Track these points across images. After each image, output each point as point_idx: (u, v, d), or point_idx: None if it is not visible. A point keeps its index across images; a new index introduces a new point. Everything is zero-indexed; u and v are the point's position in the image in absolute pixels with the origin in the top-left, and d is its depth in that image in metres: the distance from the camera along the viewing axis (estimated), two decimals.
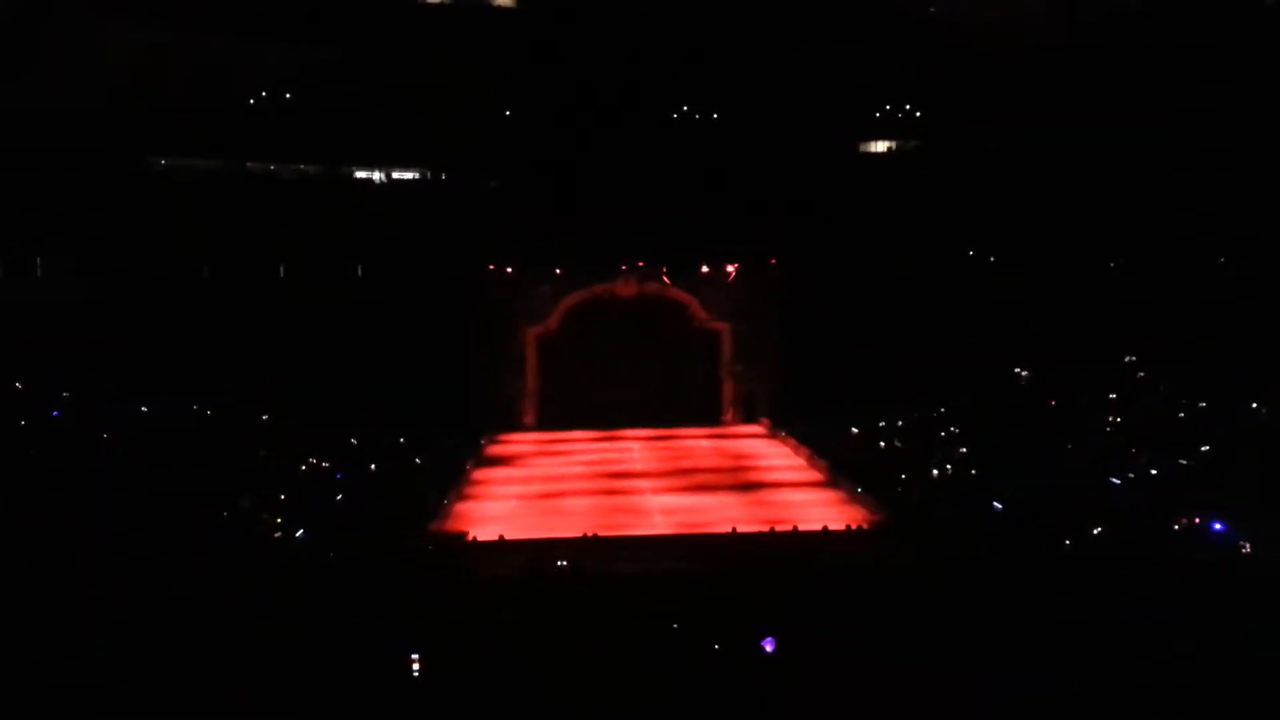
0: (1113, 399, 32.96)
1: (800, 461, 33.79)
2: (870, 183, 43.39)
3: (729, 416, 42.84)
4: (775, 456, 35.34)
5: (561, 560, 20.21)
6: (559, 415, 41.77)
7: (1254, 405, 28.56)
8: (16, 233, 38.12)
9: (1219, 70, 37.82)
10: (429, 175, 45.66)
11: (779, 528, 23.37)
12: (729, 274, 42.54)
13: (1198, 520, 20.63)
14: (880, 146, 46.79)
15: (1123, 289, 39.29)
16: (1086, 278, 40.40)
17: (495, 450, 37.26)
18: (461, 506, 27.67)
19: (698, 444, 38.08)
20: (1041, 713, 13.81)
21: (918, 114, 46.30)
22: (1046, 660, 14.77)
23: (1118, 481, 24.14)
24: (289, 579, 18.98)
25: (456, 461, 32.14)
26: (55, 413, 29.92)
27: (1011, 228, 41.44)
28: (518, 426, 41.59)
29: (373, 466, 29.81)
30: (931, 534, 21.98)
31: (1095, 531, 20.78)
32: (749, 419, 42.31)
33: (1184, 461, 25.15)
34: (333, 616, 17.49)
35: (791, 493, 28.91)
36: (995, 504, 23.32)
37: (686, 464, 33.82)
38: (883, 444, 32.62)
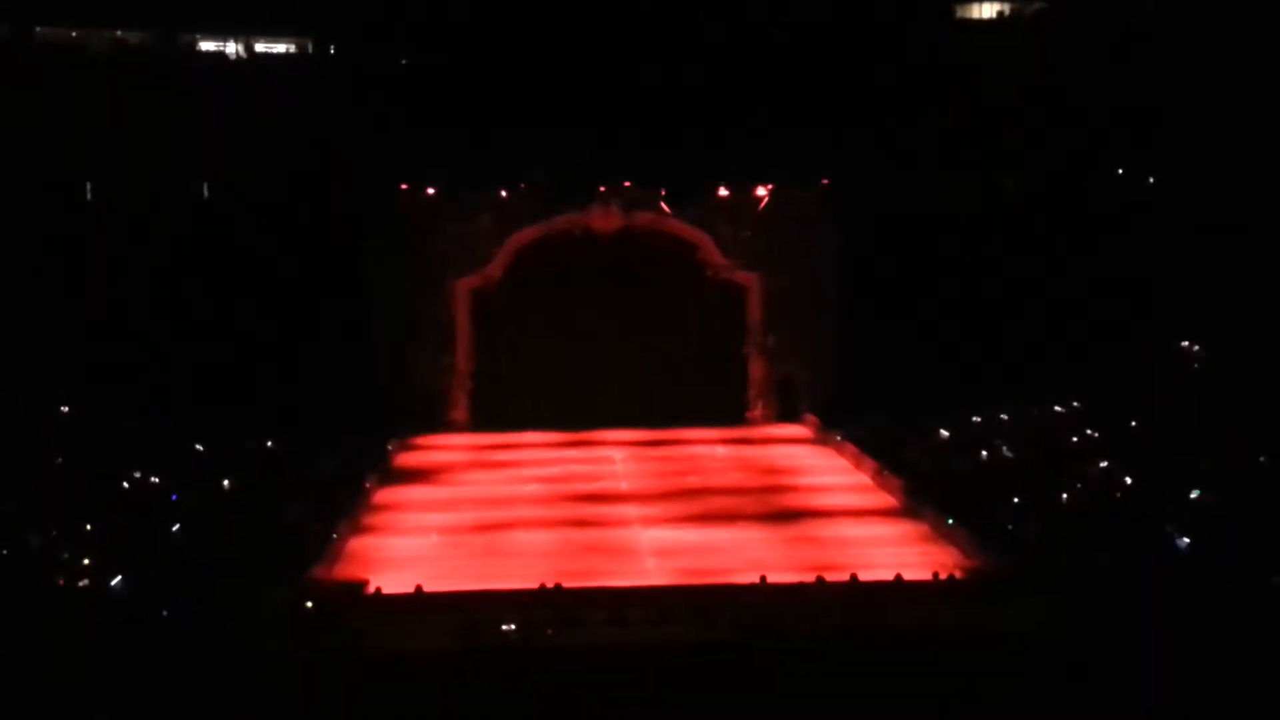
0: None
1: (863, 478, 33.82)
2: (969, 64, 43.22)
3: (758, 412, 42.79)
4: (826, 471, 35.28)
5: (508, 624, 20.17)
6: (504, 409, 41.58)
7: None
8: None
9: None
10: (310, 48, 45.29)
11: (830, 576, 23.37)
12: (760, 199, 42.45)
13: None
14: (987, 10, 46.64)
15: None
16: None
17: (409, 460, 37.09)
18: (358, 543, 27.55)
19: (710, 452, 38.00)
20: None
21: None
22: None
23: None
24: (101, 648, 18.93)
25: (351, 476, 32.06)
26: None
27: (1181, 126, 41.24)
28: (442, 425, 41.34)
29: (226, 484, 29.71)
30: (1059, 587, 22.03)
31: None
32: (787, 415, 42.23)
33: None
34: (166, 701, 17.49)
35: (850, 525, 28.87)
36: (1156, 540, 23.34)
37: (693, 482, 33.74)
38: (985, 452, 32.69)
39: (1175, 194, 41.59)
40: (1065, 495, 27.60)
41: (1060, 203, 41.32)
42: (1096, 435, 32.80)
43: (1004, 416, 35.25)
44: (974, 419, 35.36)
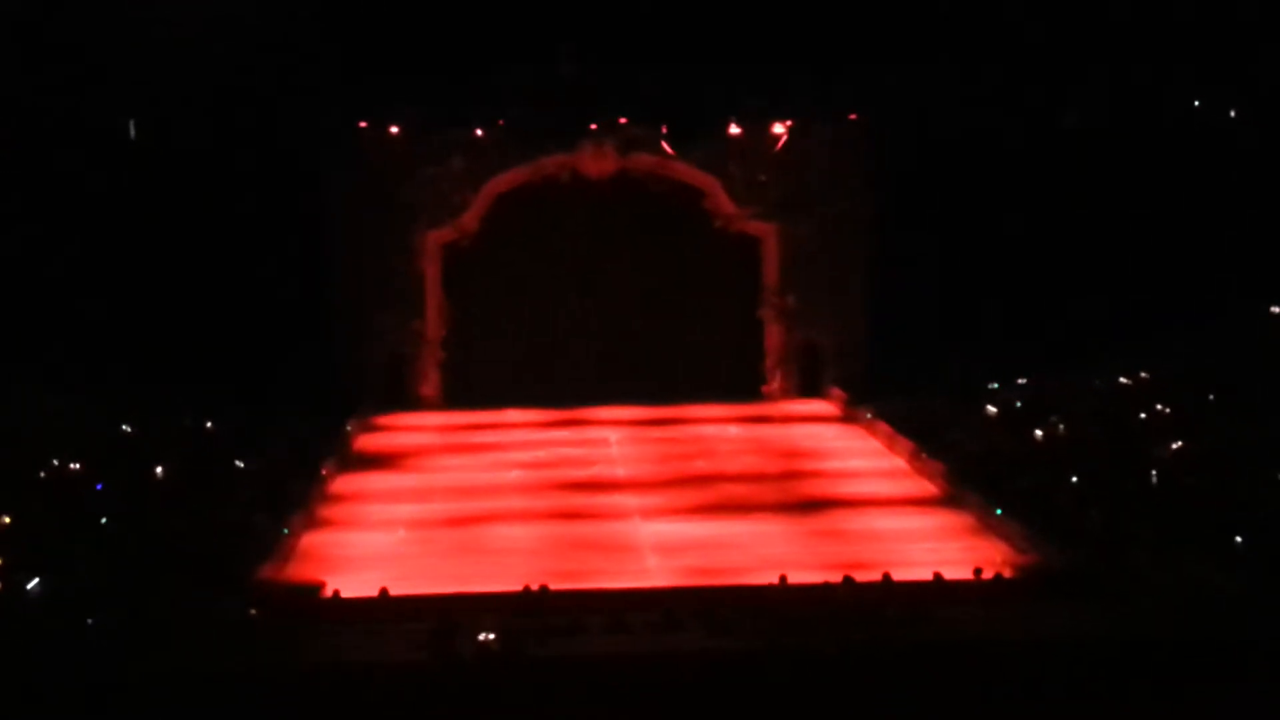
0: None
1: (899, 462, 34.06)
2: None
3: (775, 385, 43.05)
4: (855, 454, 35.56)
5: (486, 633, 20.34)
6: (482, 383, 41.95)
7: None
8: None
9: None
10: None
11: (860, 576, 23.55)
12: (778, 138, 42.49)
13: None
14: None
15: None
16: None
17: (371, 442, 37.36)
18: (313, 539, 27.78)
19: (721, 432, 38.27)
20: None
21: None
22: None
23: None
24: (15, 662, 19.09)
25: (304, 461, 32.24)
26: None
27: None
28: (409, 402, 41.73)
29: (160, 470, 29.84)
30: (1129, 588, 22.15)
31: None
32: (810, 389, 42.56)
33: None
34: None
35: (883, 516, 29.10)
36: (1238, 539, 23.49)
37: (701, 467, 34.01)
38: (1040, 432, 32.84)
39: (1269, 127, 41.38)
40: (1133, 481, 27.76)
41: (1134, 139, 41.09)
42: (1168, 411, 32.97)
43: (1061, 389, 35.35)
44: (1026, 392, 35.47)
